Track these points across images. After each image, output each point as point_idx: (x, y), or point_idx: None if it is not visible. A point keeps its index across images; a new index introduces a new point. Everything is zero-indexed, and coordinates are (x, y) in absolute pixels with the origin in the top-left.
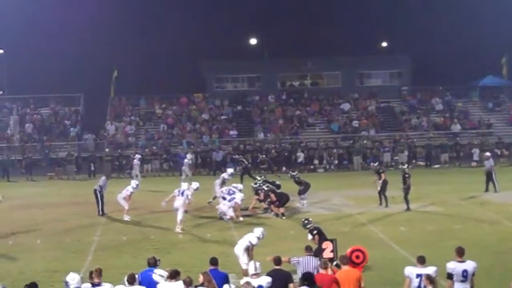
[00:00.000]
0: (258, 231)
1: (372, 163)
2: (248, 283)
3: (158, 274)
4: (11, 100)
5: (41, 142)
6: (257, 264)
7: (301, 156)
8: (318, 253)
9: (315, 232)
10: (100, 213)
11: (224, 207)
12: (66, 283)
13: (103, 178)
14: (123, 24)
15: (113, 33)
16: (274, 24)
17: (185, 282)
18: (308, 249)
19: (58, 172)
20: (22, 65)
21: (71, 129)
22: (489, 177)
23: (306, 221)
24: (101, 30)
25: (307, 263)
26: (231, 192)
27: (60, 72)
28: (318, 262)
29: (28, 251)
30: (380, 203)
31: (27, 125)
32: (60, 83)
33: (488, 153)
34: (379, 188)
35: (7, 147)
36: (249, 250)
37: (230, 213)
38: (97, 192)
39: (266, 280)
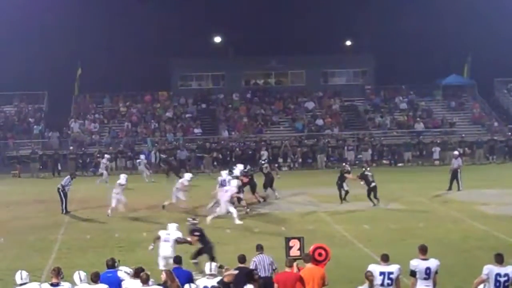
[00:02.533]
0: (172, 226)
1: (344, 164)
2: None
3: (124, 271)
4: None
5: (4, 140)
6: (213, 265)
7: (265, 155)
8: (197, 254)
9: (197, 233)
10: (64, 211)
11: (225, 196)
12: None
13: (68, 177)
14: (87, 21)
15: (77, 30)
16: (239, 22)
17: (141, 279)
18: (259, 248)
19: (20, 169)
20: None
21: (35, 126)
22: (454, 175)
23: (191, 221)
24: (65, 27)
25: (261, 261)
26: (226, 182)
27: (24, 70)
28: (271, 259)
29: None
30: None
31: None
32: (24, 80)
33: (456, 152)
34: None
35: None
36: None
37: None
38: (60, 190)
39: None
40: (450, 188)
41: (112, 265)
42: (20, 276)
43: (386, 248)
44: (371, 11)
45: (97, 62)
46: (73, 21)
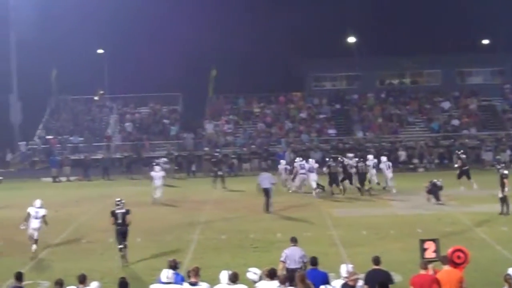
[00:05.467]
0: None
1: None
2: None
3: (253, 272)
4: (112, 99)
5: (140, 141)
6: (350, 266)
7: (403, 155)
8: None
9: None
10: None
11: None
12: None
13: (265, 174)
14: (222, 24)
15: (212, 32)
16: (372, 22)
17: (280, 280)
18: (293, 240)
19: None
20: (122, 65)
21: (171, 128)
22: None
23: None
24: (200, 30)
25: (292, 253)
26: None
27: (159, 72)
28: (303, 253)
29: (128, 249)
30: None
31: (127, 124)
32: (159, 82)
33: None
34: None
35: (107, 146)
36: None
37: None
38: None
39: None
40: None
41: (174, 266)
42: (166, 275)
43: None
44: (509, 9)
45: (231, 64)
46: (208, 24)
